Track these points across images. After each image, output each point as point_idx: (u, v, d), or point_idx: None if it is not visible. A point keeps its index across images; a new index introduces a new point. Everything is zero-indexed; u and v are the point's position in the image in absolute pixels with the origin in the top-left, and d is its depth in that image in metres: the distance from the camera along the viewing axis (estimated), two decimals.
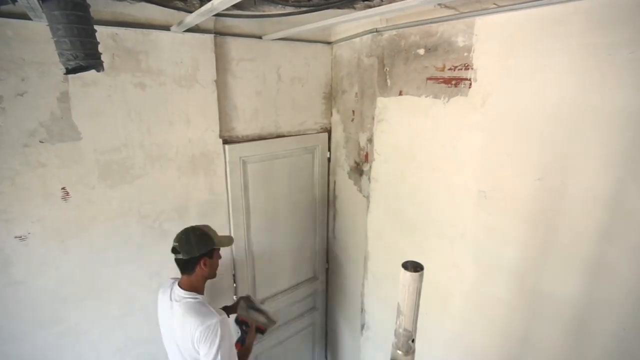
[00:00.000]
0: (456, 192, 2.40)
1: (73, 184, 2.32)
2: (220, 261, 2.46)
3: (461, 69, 2.22)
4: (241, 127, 2.99)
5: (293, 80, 3.19)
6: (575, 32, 1.71)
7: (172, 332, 2.31)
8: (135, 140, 2.48)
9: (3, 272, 2.22)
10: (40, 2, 1.41)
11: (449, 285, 2.56)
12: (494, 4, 1.96)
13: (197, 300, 2.26)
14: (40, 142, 2.18)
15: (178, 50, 2.50)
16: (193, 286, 2.31)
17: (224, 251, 2.57)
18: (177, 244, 2.24)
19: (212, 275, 2.41)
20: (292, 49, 3.10)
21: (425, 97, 2.48)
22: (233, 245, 3.12)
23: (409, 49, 2.55)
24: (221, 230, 2.97)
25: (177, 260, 2.28)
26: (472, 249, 2.37)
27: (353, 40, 3.07)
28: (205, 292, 2.38)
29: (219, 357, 2.13)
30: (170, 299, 2.30)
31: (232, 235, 3.09)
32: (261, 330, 2.85)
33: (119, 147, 2.43)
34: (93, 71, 1.56)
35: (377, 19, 2.71)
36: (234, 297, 3.27)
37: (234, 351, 2.28)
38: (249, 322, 2.77)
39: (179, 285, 2.32)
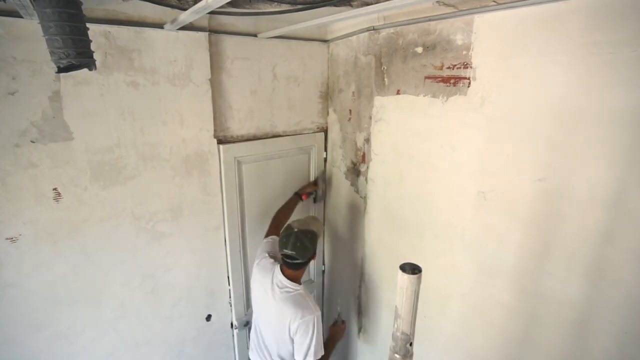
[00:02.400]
0: (455, 193, 2.37)
1: (65, 184, 2.30)
2: None
3: (460, 68, 2.19)
4: (236, 127, 2.96)
5: (289, 79, 3.17)
6: (576, 30, 1.68)
7: (268, 314, 2.53)
8: (128, 140, 2.45)
9: None
10: None
11: (447, 287, 2.53)
12: (494, 1, 1.94)
13: (298, 291, 2.48)
14: (31, 142, 2.15)
15: (172, 48, 2.47)
16: (296, 277, 2.55)
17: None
18: (293, 252, 2.42)
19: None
20: (287, 47, 3.07)
21: (424, 96, 2.45)
22: (228, 247, 3.10)
23: (406, 47, 2.53)
24: (217, 231, 2.98)
25: (290, 262, 2.49)
26: (471, 251, 2.34)
27: (350, 38, 3.04)
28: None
29: (312, 349, 2.39)
30: (273, 283, 2.51)
31: (227, 237, 3.09)
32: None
33: (112, 147, 2.40)
34: (85, 70, 1.55)
35: (375, 17, 2.68)
36: (229, 300, 3.24)
37: (322, 341, 2.49)
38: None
39: (283, 272, 2.53)
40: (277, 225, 2.92)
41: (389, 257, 3.08)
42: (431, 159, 2.50)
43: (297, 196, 3.31)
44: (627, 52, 1.54)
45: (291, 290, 2.46)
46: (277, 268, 2.55)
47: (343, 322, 3.07)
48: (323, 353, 2.48)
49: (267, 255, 2.68)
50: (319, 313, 2.46)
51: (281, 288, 2.47)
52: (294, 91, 3.24)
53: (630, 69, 1.54)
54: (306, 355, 2.41)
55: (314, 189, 3.54)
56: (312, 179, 3.62)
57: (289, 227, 2.57)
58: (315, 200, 3.66)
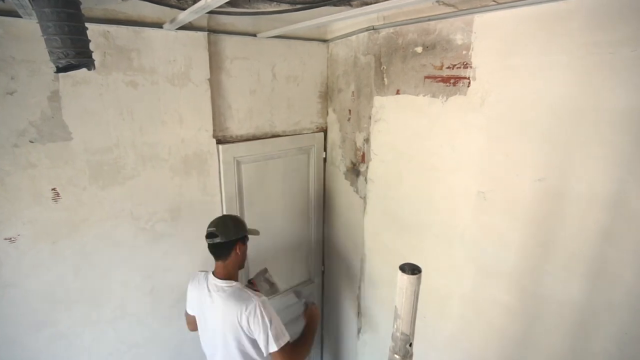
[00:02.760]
0: (455, 193, 2.37)
1: (64, 184, 2.30)
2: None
3: (460, 68, 2.19)
4: (235, 127, 2.96)
5: (288, 79, 3.16)
6: (575, 29, 1.68)
7: (215, 321, 2.36)
8: (127, 140, 2.44)
9: None
10: None
11: (447, 288, 2.53)
12: (493, 1, 1.94)
13: (233, 287, 2.34)
14: (30, 142, 2.15)
15: (171, 48, 2.47)
16: (228, 273, 2.40)
17: None
18: (214, 228, 2.34)
19: (242, 264, 2.51)
20: (287, 47, 3.07)
21: (423, 96, 2.45)
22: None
23: (406, 47, 2.52)
24: None
25: (212, 246, 2.37)
26: (471, 251, 2.34)
27: (349, 38, 3.04)
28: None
29: (271, 335, 2.22)
30: (209, 290, 2.38)
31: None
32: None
33: (111, 147, 2.40)
34: (84, 70, 1.54)
35: (374, 17, 2.68)
36: None
37: (282, 325, 2.33)
38: (255, 285, 2.83)
39: (214, 274, 2.40)
40: None
41: (389, 257, 3.07)
42: (431, 159, 2.49)
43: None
44: (627, 52, 1.54)
45: (228, 287, 2.33)
46: (210, 275, 2.43)
47: (313, 303, 2.92)
48: (287, 338, 2.31)
49: (200, 271, 2.57)
50: (264, 297, 2.33)
51: (217, 291, 2.34)
52: (294, 91, 3.23)
53: (630, 69, 1.54)
54: (267, 344, 2.23)
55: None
56: (311, 178, 3.62)
57: None
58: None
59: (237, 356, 2.33)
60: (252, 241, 3.20)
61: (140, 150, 2.50)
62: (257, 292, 2.37)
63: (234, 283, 2.37)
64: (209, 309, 2.37)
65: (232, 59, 2.80)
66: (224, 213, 2.49)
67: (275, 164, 3.29)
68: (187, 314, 2.61)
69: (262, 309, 2.23)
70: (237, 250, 2.39)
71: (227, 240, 2.34)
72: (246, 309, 2.22)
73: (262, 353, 2.30)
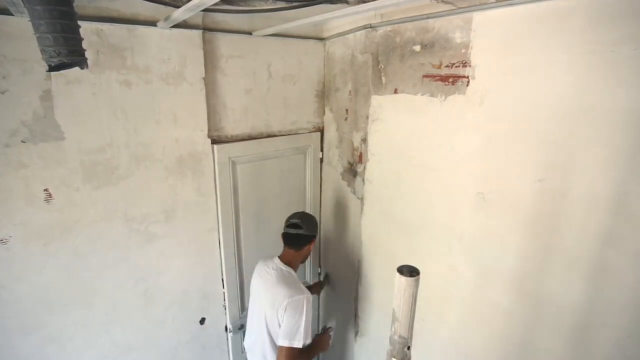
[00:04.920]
0: (453, 194, 2.35)
1: (56, 185, 2.27)
2: None
3: (458, 66, 2.17)
4: (230, 127, 2.93)
5: (284, 78, 3.14)
6: (576, 27, 1.66)
7: (262, 296, 2.60)
8: (121, 140, 2.42)
9: None
10: None
11: (446, 290, 2.51)
12: None
13: (290, 274, 2.60)
14: (22, 142, 2.12)
15: (165, 46, 2.44)
16: (291, 262, 2.67)
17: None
18: (298, 220, 2.66)
19: (306, 259, 2.84)
20: (283, 45, 3.05)
21: (422, 95, 2.43)
22: (222, 249, 3.07)
23: (404, 46, 2.50)
24: (211, 233, 2.97)
25: (292, 236, 2.67)
26: (470, 253, 2.32)
27: (346, 36, 3.01)
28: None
29: (302, 329, 2.41)
30: (268, 267, 2.64)
31: (222, 239, 3.07)
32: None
33: (104, 147, 2.37)
34: (77, 68, 1.51)
35: (372, 14, 2.65)
36: (223, 303, 3.21)
37: (310, 330, 2.49)
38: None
39: (280, 258, 2.69)
40: None
41: (386, 259, 3.05)
42: (429, 160, 2.47)
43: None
44: (628, 50, 1.52)
45: (285, 271, 2.58)
46: (276, 257, 2.69)
47: (330, 335, 3.03)
48: (310, 341, 2.49)
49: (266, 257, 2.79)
50: (310, 295, 2.51)
51: (275, 270, 2.58)
52: (290, 90, 3.21)
53: (631, 68, 1.53)
54: (294, 336, 2.40)
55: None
56: (307, 179, 3.62)
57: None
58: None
59: (264, 332, 2.55)
60: (248, 243, 3.21)
61: (134, 150, 2.48)
62: (306, 288, 2.59)
63: (292, 271, 2.63)
64: (261, 281, 2.62)
65: (228, 58, 2.77)
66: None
67: (271, 164, 3.27)
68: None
69: (306, 303, 2.44)
70: (310, 245, 2.71)
71: (308, 234, 2.65)
72: (291, 296, 2.42)
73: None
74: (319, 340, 2.88)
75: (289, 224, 2.68)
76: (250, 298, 2.79)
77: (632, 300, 1.65)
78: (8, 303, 2.27)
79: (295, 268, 2.68)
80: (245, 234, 3.24)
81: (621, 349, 1.72)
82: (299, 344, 2.40)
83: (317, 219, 3.67)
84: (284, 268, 2.60)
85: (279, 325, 2.46)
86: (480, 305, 2.31)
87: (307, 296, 2.46)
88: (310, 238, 2.70)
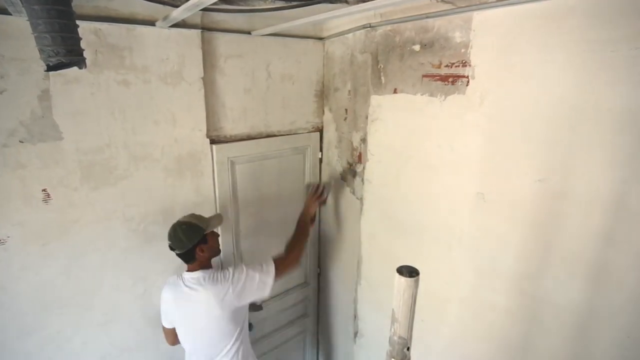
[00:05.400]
0: (453, 194, 2.35)
1: (54, 185, 2.26)
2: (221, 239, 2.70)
3: (458, 66, 2.17)
4: (229, 127, 2.92)
5: (283, 78, 3.13)
6: (576, 27, 1.66)
7: (196, 316, 2.43)
8: (119, 140, 2.41)
9: None
10: None
11: (445, 291, 2.51)
12: None
13: (208, 273, 2.42)
14: (20, 142, 2.11)
15: (164, 46, 2.43)
16: (200, 267, 2.46)
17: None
18: (170, 242, 2.39)
19: (215, 253, 2.59)
20: (282, 45, 3.04)
21: (421, 95, 2.42)
22: (222, 249, 3.02)
23: (403, 45, 2.49)
24: None
25: (177, 255, 2.42)
26: (469, 254, 2.32)
27: (346, 36, 3.01)
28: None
29: (257, 268, 2.46)
30: (185, 286, 2.41)
31: (220, 239, 3.00)
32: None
33: (102, 147, 2.36)
34: (75, 68, 1.51)
35: (371, 14, 2.65)
36: None
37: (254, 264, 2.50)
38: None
39: (187, 271, 2.46)
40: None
41: (386, 259, 3.05)
42: (429, 160, 2.47)
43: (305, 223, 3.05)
44: (628, 49, 1.53)
45: (203, 276, 2.41)
46: (182, 274, 2.49)
47: (322, 191, 3.11)
48: (269, 260, 2.53)
49: (170, 278, 2.63)
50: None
51: (194, 283, 2.40)
52: (289, 90, 3.20)
53: (631, 67, 1.53)
54: (260, 267, 2.48)
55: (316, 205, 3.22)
56: (307, 179, 3.60)
57: None
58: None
59: (218, 343, 2.46)
60: (247, 243, 3.19)
61: (132, 151, 2.47)
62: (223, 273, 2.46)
63: (207, 271, 2.44)
64: (187, 304, 2.42)
65: (226, 58, 2.76)
66: (178, 219, 2.47)
67: (270, 164, 3.26)
68: (164, 329, 2.66)
69: (235, 267, 2.45)
70: (200, 251, 2.41)
71: (185, 251, 2.38)
72: (226, 279, 2.37)
73: (239, 328, 2.49)
74: (307, 205, 3.02)
75: (168, 246, 2.45)
76: (179, 327, 2.58)
77: (632, 300, 1.65)
78: (6, 304, 2.26)
79: (208, 266, 2.51)
80: (244, 234, 3.24)
81: (621, 349, 1.72)
82: (269, 262, 2.51)
83: (316, 221, 3.66)
84: (198, 275, 2.41)
85: (233, 312, 2.41)
86: (480, 306, 2.31)
87: (231, 267, 2.46)
88: (192, 250, 2.39)
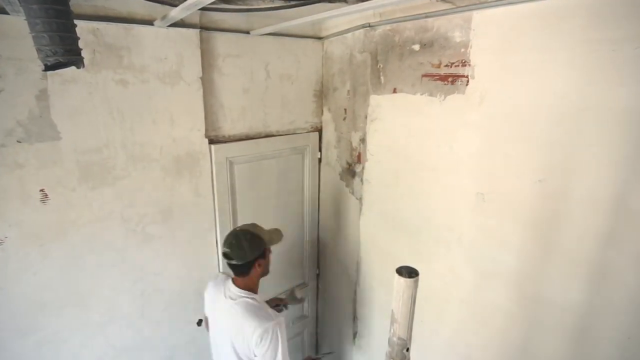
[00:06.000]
0: (453, 194, 2.34)
1: (52, 185, 2.25)
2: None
3: (458, 66, 2.16)
4: (228, 127, 2.92)
5: (282, 78, 3.13)
6: (577, 26, 1.66)
7: (226, 329, 2.30)
8: (117, 140, 2.40)
9: None
10: None
11: (445, 291, 2.51)
12: None
13: (254, 300, 2.27)
14: (17, 142, 2.10)
15: (162, 45, 2.43)
16: (248, 286, 2.32)
17: None
18: (228, 250, 2.24)
19: (266, 273, 2.43)
20: (281, 44, 3.04)
21: (421, 95, 2.42)
22: (219, 249, 3.05)
23: (403, 45, 2.49)
24: (208, 234, 2.97)
25: (229, 265, 2.28)
26: (469, 254, 2.32)
27: (345, 35, 3.01)
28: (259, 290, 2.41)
29: (279, 356, 2.19)
30: (225, 297, 2.31)
31: (219, 239, 3.03)
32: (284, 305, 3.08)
33: (100, 147, 2.35)
34: (73, 68, 1.50)
35: (370, 13, 2.65)
36: None
37: (287, 355, 2.28)
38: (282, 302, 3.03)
39: (234, 283, 2.33)
40: None
41: (385, 260, 3.05)
42: (428, 160, 2.47)
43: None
44: (630, 49, 1.52)
45: (248, 299, 2.27)
46: (229, 281, 2.37)
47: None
48: None
49: (222, 272, 2.58)
50: (281, 319, 2.26)
51: (235, 299, 2.27)
52: (288, 90, 3.20)
53: (633, 67, 1.52)
54: None
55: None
56: (305, 179, 3.60)
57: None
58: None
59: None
60: None
61: (130, 151, 2.46)
62: (275, 311, 2.32)
63: (254, 295, 2.31)
64: (223, 314, 2.33)
65: (225, 57, 2.76)
66: (241, 224, 2.38)
67: (269, 164, 3.25)
68: (205, 316, 2.60)
69: (278, 330, 2.19)
70: (257, 267, 2.30)
71: (243, 263, 2.25)
72: (260, 327, 2.14)
73: None
74: None
75: (222, 252, 2.31)
76: (211, 326, 2.51)
77: (633, 301, 1.65)
78: (3, 304, 2.25)
79: (255, 289, 2.37)
80: None
81: (621, 350, 1.72)
82: None
83: (315, 222, 3.66)
84: (244, 295, 2.28)
85: (255, 355, 2.22)
86: (480, 307, 2.31)
87: (277, 321, 2.21)
88: (251, 263, 2.28)
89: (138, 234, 2.63)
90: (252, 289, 2.33)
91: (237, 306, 2.24)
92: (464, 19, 2.10)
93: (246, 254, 2.23)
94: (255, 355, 2.20)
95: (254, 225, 2.40)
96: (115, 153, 2.41)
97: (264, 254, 2.33)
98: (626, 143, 1.57)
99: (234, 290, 2.30)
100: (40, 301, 2.36)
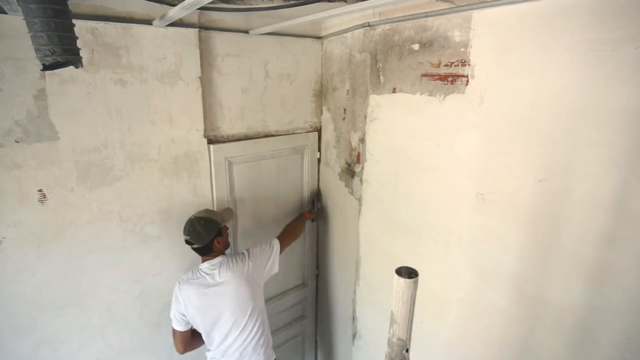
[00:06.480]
0: (453, 195, 2.33)
1: (50, 186, 2.24)
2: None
3: (457, 65, 2.15)
4: (227, 127, 2.91)
5: (281, 77, 3.12)
6: (577, 26, 1.65)
7: (222, 299, 2.53)
8: (116, 140, 2.39)
9: None
10: None
11: (445, 292, 2.50)
12: None
13: (226, 257, 2.62)
14: (15, 142, 2.10)
15: (160, 45, 2.42)
16: (215, 256, 2.62)
17: None
18: (188, 237, 2.51)
19: (227, 245, 2.74)
20: (280, 44, 3.03)
21: (420, 94, 2.41)
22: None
23: (402, 44, 2.48)
24: None
25: (193, 249, 2.57)
26: (469, 254, 2.30)
27: (344, 35, 3.00)
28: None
29: (265, 245, 2.78)
30: (207, 274, 2.54)
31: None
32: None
33: (99, 148, 2.35)
34: (71, 67, 1.51)
35: (370, 13, 2.63)
36: None
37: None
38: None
39: (204, 262, 2.61)
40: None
41: (385, 260, 3.03)
42: (428, 160, 2.46)
43: (302, 216, 3.47)
44: (630, 49, 1.51)
45: (223, 260, 2.58)
46: (199, 266, 2.61)
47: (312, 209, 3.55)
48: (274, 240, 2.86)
49: (181, 277, 2.72)
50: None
51: (213, 269, 2.54)
52: (287, 89, 3.19)
53: (633, 67, 1.52)
54: (270, 246, 2.79)
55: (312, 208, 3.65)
56: (305, 179, 3.59)
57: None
58: (312, 220, 3.74)
59: (255, 319, 2.62)
60: (245, 244, 3.18)
61: (129, 151, 2.45)
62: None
63: (225, 255, 2.65)
64: (213, 289, 2.51)
65: (224, 57, 2.75)
66: (195, 214, 2.59)
67: (268, 164, 3.25)
68: (177, 333, 2.64)
69: (247, 249, 2.70)
70: (217, 244, 2.57)
71: (204, 245, 2.51)
72: (243, 258, 2.61)
73: (260, 310, 2.67)
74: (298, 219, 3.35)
75: (184, 240, 2.55)
76: (205, 312, 2.53)
77: (633, 302, 1.64)
78: (1, 305, 2.24)
79: (222, 254, 2.66)
80: (241, 234, 3.23)
81: (621, 351, 1.71)
82: (274, 241, 2.84)
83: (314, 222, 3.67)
84: (217, 260, 2.58)
85: (264, 269, 2.71)
86: (480, 307, 2.30)
87: (245, 249, 2.70)
88: (210, 243, 2.54)
89: (136, 234, 2.62)
90: (217, 255, 2.63)
91: (219, 268, 2.54)
92: (463, 19, 2.09)
93: (203, 237, 2.49)
94: (258, 277, 2.66)
95: (206, 210, 2.67)
96: (113, 153, 2.40)
97: (220, 232, 2.60)
98: (626, 143, 1.56)
99: (207, 265, 2.57)
100: (39, 302, 2.36)
